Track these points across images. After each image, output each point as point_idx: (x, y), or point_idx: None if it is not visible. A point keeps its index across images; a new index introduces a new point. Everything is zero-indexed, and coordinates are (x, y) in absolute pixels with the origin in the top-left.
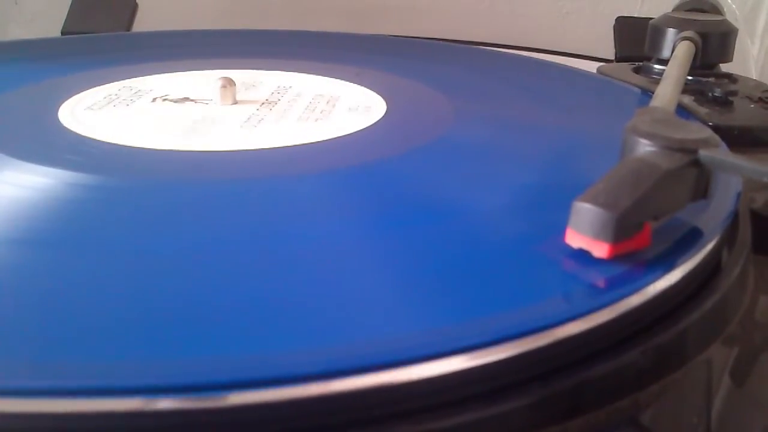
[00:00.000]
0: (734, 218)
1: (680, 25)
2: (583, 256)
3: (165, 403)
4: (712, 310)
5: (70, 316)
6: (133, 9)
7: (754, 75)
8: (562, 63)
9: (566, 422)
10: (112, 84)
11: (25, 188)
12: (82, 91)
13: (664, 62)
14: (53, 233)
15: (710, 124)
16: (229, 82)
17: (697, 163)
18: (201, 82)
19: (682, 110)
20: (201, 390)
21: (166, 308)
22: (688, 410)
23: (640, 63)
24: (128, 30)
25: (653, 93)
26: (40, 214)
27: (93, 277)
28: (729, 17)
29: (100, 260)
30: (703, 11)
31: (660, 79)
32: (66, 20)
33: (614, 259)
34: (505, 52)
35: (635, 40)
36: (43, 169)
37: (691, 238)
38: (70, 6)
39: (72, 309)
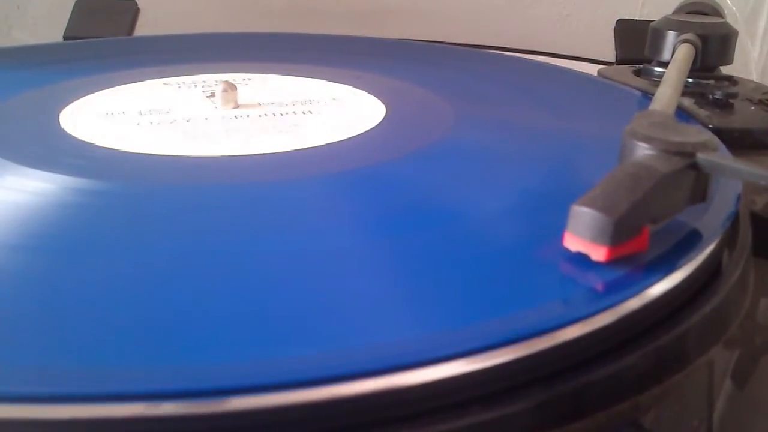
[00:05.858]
0: (734, 220)
1: (680, 27)
2: (582, 259)
3: (166, 408)
4: (713, 313)
5: (71, 321)
6: (135, 13)
7: (754, 77)
8: (562, 65)
9: (567, 425)
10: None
11: (25, 193)
12: (84, 95)
13: (665, 65)
14: (53, 238)
15: (710, 126)
16: (230, 87)
17: (695, 167)
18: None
19: (682, 113)
20: (202, 395)
21: (168, 313)
22: (690, 413)
23: (641, 65)
24: (130, 34)
25: (653, 95)
26: (39, 219)
27: (94, 282)
28: (729, 19)
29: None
30: (703, 13)
31: (660, 82)
32: (68, 25)
33: (613, 262)
34: (504, 55)
35: (636, 43)
36: (43, 174)
37: (691, 241)
38: (72, 11)
39: (74, 314)
